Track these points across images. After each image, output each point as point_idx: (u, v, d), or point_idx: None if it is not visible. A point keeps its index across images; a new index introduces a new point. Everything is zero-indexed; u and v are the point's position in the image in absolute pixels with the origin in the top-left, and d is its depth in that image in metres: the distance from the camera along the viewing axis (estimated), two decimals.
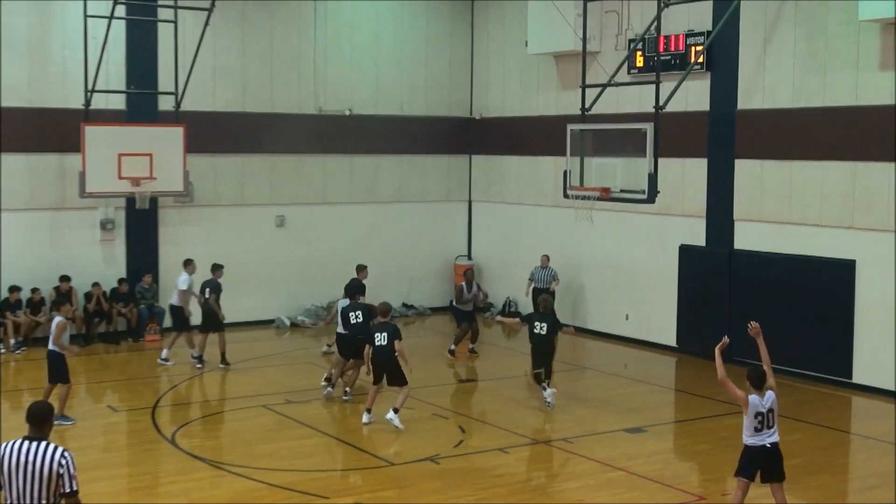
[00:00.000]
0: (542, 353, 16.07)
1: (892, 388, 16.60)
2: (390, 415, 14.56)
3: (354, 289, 16.76)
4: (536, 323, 16.05)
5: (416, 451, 13.69)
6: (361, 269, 18.34)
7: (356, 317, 16.13)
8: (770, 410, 10.12)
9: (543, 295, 18.24)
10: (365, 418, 14.82)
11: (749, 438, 10.21)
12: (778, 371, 11.11)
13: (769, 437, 10.15)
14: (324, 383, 16.68)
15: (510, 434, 14.49)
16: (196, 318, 18.96)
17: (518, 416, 15.62)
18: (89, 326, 20.53)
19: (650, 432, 14.71)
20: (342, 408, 16.02)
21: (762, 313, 16.79)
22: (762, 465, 10.23)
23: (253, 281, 22.40)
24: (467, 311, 19.80)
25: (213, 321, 18.48)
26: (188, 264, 18.87)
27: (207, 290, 18.46)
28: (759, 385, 10.15)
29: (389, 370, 14.68)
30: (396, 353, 14.52)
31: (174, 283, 19.16)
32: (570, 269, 22.44)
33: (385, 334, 14.62)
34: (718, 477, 12.99)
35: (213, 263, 18.81)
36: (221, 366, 18.45)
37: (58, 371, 14.61)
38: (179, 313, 18.81)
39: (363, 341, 15.56)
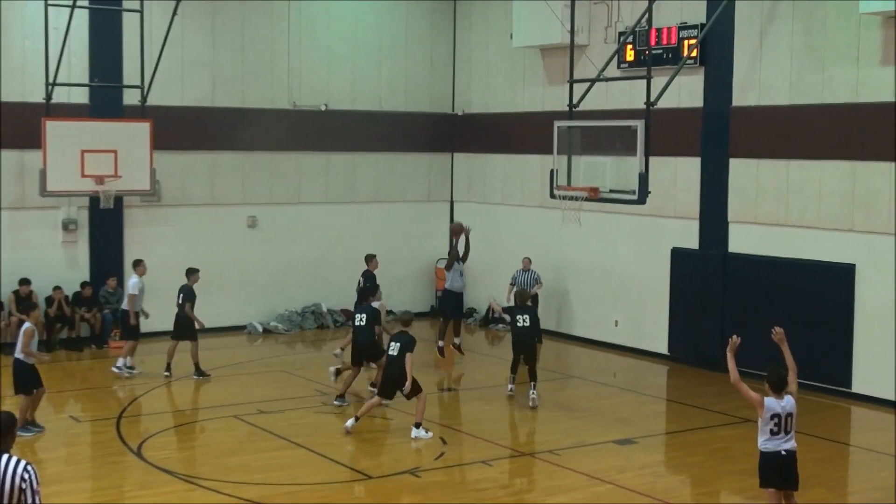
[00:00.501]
0: (525, 347, 16.61)
1: (893, 398, 16.71)
2: (414, 432, 14.60)
3: (365, 291, 16.99)
4: (519, 316, 16.58)
5: (395, 463, 13.73)
6: (370, 258, 18.34)
7: (360, 320, 16.29)
8: (789, 414, 10.12)
9: (518, 289, 18.54)
10: (348, 423, 14.81)
11: (764, 444, 10.21)
12: None
13: (785, 443, 10.16)
14: (336, 402, 16.53)
15: (494, 446, 14.53)
16: (165, 323, 18.93)
17: (502, 427, 15.69)
18: (50, 332, 20.44)
19: (640, 444, 14.77)
20: (317, 419, 16.03)
21: (757, 319, 16.93)
22: (778, 472, 10.25)
23: (224, 284, 22.36)
24: (458, 293, 19.67)
25: (184, 329, 18.40)
26: (138, 265, 18.71)
27: (181, 296, 18.43)
28: (777, 389, 10.14)
29: (401, 383, 14.51)
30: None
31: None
32: (557, 273, 22.51)
33: (398, 345, 14.53)
34: (712, 490, 13.11)
35: (188, 268, 18.74)
36: (195, 377, 18.38)
37: (24, 380, 14.56)
38: (125, 319, 18.76)
39: (366, 344, 15.66)
